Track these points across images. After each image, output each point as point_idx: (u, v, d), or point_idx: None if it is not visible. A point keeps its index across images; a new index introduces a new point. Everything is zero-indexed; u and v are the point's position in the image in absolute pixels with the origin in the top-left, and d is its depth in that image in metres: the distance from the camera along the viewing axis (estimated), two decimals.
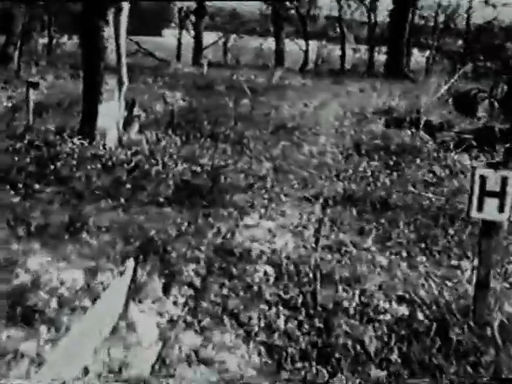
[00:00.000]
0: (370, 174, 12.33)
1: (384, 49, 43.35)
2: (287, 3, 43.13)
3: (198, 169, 11.57)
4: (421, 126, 16.86)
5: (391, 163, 13.24)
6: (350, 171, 12.51)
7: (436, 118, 17.42)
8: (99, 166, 11.52)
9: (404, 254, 8.77)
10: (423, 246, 9.02)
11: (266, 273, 7.91)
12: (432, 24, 43.48)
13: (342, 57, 41.42)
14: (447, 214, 10.17)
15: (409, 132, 15.97)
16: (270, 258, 8.30)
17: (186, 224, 9.13)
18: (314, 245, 8.74)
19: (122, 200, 10.14)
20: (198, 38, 40.69)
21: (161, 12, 49.48)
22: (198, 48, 40.59)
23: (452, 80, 22.46)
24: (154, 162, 11.80)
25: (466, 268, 8.51)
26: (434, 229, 9.58)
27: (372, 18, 42.03)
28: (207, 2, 41.74)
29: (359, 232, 9.42)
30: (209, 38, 42.54)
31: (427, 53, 45.61)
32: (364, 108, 19.66)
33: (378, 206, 10.38)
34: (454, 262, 8.67)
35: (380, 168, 12.92)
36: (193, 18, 41.81)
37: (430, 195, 10.76)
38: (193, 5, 41.89)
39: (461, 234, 9.40)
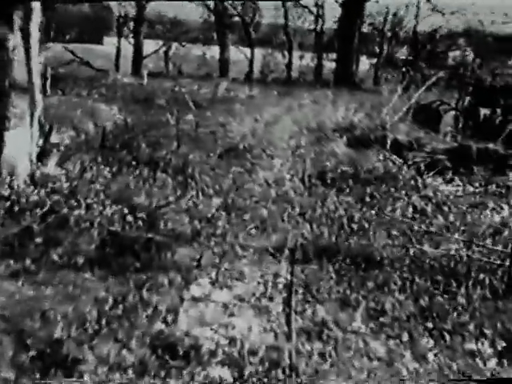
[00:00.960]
0: (342, 212, 9.99)
1: (331, 56, 41.49)
2: (231, 10, 40.79)
3: (130, 218, 8.95)
4: (388, 145, 14.69)
5: (365, 196, 10.96)
6: (319, 210, 10.14)
7: (403, 136, 15.28)
8: (2, 211, 8.84)
9: (405, 336, 6.46)
10: (428, 322, 6.73)
11: (222, 380, 5.50)
12: (379, 31, 41.73)
13: (289, 65, 39.18)
14: (447, 270, 7.92)
15: (380, 155, 13.73)
16: (228, 354, 5.88)
17: (111, 302, 6.61)
18: (285, 328, 6.35)
19: (29, 261, 7.55)
20: (137, 47, 37.76)
21: (102, 19, 46.42)
22: (138, 57, 37.69)
23: (419, 92, 20.39)
24: (74, 204, 9.18)
25: (488, 355, 6.28)
26: (437, 294, 7.30)
27: (319, 24, 39.96)
28: (148, 10, 38.98)
29: (343, 303, 7.06)
30: (149, 46, 39.70)
31: (373, 60, 43.96)
32: (321, 124, 17.36)
33: (360, 262, 8.03)
34: (470, 346, 6.41)
35: (353, 203, 10.60)
36: (132, 25, 38.91)
37: (426, 248, 8.43)
38: (132, 11, 39.05)
39: (472, 302, 7.16)
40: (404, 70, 42.89)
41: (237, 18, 41.80)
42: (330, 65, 40.87)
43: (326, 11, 39.53)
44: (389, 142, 14.70)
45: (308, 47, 43.65)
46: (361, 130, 15.67)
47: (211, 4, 40.20)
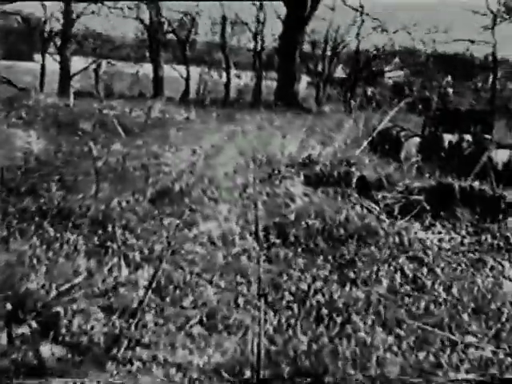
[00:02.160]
0: (317, 294, 7.18)
1: (270, 75, 39.11)
2: (165, 27, 37.80)
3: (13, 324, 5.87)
4: (353, 184, 12.05)
5: (342, 263, 8.19)
6: (284, 287, 7.31)
7: (371, 172, 12.63)
8: None
9: None
10: None
11: None
12: (320, 50, 39.46)
13: (227, 84, 36.41)
14: None
15: (350, 200, 11.00)
16: None
17: None
18: None
19: None
20: (64, 64, 34.26)
21: (32, 34, 42.50)
22: (65, 75, 34.20)
23: (387, 118, 17.86)
24: None
25: None
26: None
27: (259, 42, 37.35)
28: (76, 25, 35.48)
29: None
30: (78, 63, 36.17)
31: (310, 79, 41.78)
32: (271, 156, 14.60)
33: None
34: None
35: (328, 275, 7.79)
36: (58, 40, 35.34)
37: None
38: (58, 26, 35.48)
39: None
40: (344, 89, 40.93)
41: (171, 36, 38.94)
42: (269, 83, 38.41)
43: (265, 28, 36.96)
44: (354, 179, 12.05)
45: (246, 66, 41.10)
46: (320, 165, 12.92)
47: (146, 19, 36.96)
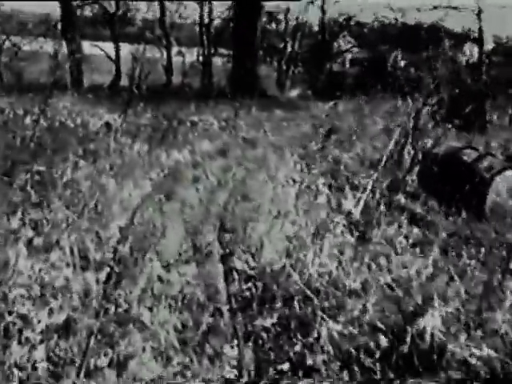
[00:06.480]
0: None
1: (220, 51, 30.12)
2: None
3: None
4: None
5: None
6: None
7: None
8: None
9: None
10: None
11: None
12: (281, 23, 30.25)
13: (169, 67, 26.87)
14: None
15: None
16: None
17: None
18: None
19: None
20: None
21: None
22: None
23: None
24: None
25: None
26: None
27: (205, 13, 27.78)
28: None
29: None
30: None
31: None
32: (270, 270, 5.62)
33: None
34: None
35: None
36: None
37: None
38: None
39: None
40: (309, 69, 32.13)
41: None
42: (219, 62, 29.16)
43: None
44: None
45: (190, 42, 31.73)
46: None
47: None
